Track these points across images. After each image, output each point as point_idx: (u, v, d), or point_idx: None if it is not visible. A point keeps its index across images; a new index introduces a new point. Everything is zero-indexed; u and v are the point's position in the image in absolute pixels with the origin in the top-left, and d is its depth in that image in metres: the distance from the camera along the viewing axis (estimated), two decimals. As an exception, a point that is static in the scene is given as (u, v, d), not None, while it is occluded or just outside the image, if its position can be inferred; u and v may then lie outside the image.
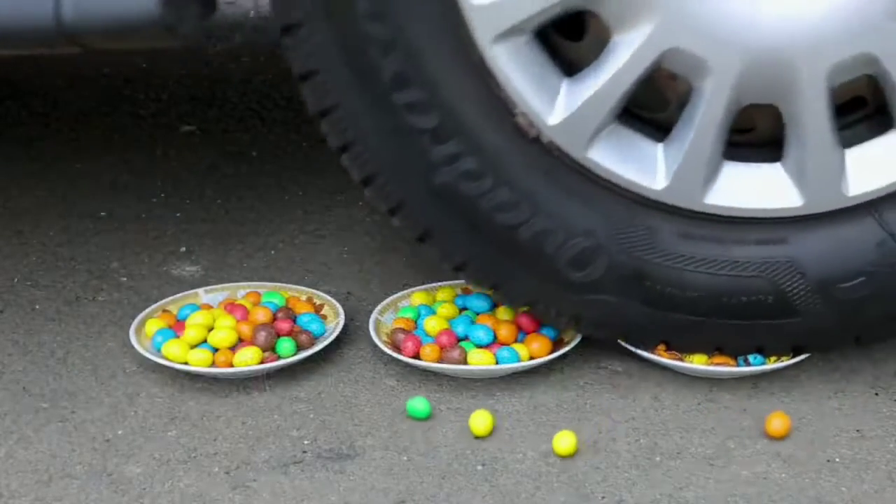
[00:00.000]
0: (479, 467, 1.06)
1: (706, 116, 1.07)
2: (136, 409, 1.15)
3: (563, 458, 1.07)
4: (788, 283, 1.12)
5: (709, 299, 1.14)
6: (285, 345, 1.19)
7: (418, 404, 1.13)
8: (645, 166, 1.11)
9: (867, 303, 1.13)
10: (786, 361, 1.17)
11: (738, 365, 1.17)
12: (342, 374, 1.21)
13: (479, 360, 1.17)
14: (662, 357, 1.18)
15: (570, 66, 1.10)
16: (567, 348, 1.19)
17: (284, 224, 1.55)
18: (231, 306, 1.26)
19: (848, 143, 1.10)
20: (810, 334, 1.15)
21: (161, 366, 1.19)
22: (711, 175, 1.10)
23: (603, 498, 1.02)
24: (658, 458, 1.07)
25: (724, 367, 1.16)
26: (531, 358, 1.18)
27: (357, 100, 1.09)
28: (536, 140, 1.10)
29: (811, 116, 1.06)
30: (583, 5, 1.05)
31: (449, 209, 1.12)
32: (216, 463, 1.07)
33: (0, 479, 1.04)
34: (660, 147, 1.11)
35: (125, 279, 1.41)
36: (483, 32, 1.05)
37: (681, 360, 1.18)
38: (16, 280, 1.41)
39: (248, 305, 1.26)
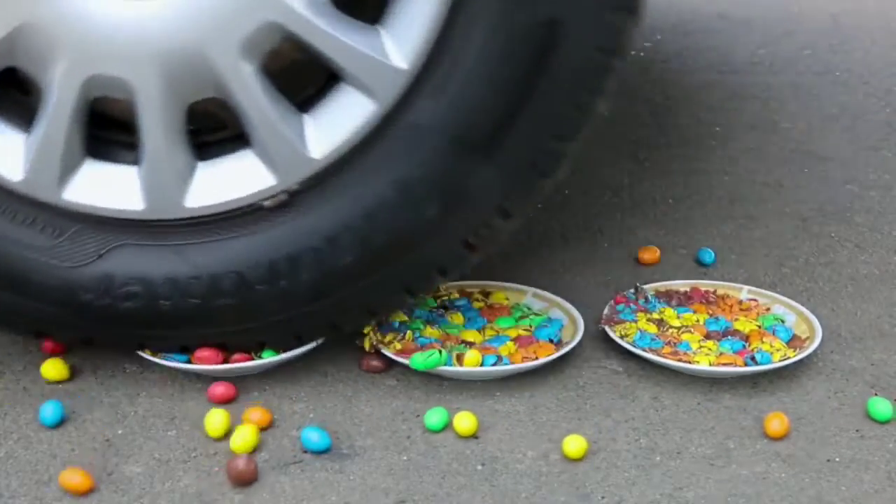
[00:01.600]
0: (479, 467, 1.06)
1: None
2: (136, 409, 1.15)
3: (569, 459, 1.07)
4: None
5: None
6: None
7: (433, 417, 1.11)
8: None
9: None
10: (792, 357, 1.17)
11: (745, 364, 1.17)
12: (342, 374, 1.21)
13: (472, 360, 1.16)
14: (663, 357, 1.18)
15: None
16: (566, 349, 1.19)
17: (284, 224, 1.55)
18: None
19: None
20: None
21: (161, 366, 1.19)
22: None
23: (603, 498, 1.02)
24: (658, 458, 1.07)
25: (726, 366, 1.16)
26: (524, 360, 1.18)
27: None
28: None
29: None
30: None
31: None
32: (216, 463, 1.07)
33: (0, 480, 1.04)
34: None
35: (125, 279, 1.41)
36: None
37: (682, 360, 1.18)
38: (16, 280, 1.41)
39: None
